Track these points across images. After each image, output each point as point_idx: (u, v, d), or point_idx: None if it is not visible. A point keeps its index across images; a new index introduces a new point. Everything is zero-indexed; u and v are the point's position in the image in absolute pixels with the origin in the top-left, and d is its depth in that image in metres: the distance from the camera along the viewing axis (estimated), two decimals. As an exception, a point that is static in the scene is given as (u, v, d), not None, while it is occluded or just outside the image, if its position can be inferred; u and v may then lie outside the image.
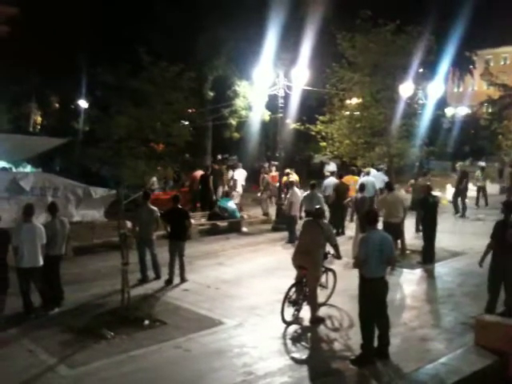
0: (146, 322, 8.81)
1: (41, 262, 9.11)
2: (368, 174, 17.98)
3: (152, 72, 12.51)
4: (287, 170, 19.59)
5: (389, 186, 13.48)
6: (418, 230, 15.13)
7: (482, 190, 21.90)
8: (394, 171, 18.63)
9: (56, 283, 9.71)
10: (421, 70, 20.11)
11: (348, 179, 17.86)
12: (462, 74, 52.49)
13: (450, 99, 50.89)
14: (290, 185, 16.19)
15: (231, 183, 19.74)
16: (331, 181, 17.94)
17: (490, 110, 31.88)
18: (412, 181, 20.99)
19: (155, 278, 11.46)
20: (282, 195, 18.21)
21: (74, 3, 21.85)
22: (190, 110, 16.82)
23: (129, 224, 11.45)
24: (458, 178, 20.43)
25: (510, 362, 7.36)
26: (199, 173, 19.52)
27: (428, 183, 17.35)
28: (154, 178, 17.19)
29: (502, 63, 68.06)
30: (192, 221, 13.15)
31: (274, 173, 20.01)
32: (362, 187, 14.39)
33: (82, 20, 21.72)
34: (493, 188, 22.99)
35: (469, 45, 41.48)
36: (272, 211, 18.88)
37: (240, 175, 19.88)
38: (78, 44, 22.91)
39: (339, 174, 18.60)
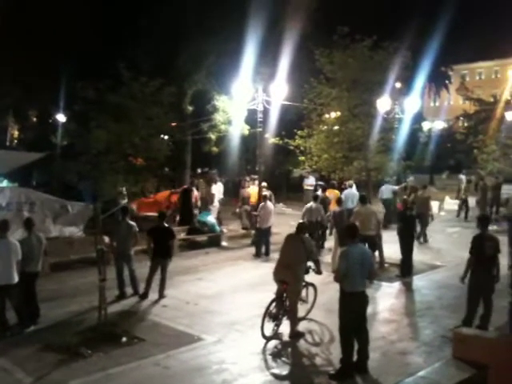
0: (124, 338, 8.70)
1: (16, 279, 8.96)
2: (351, 186, 18.13)
3: (132, 87, 12.54)
4: (263, 184, 19.62)
5: (362, 199, 13.58)
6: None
7: (464, 202, 22.29)
8: (372, 185, 18.84)
9: (32, 300, 9.56)
10: (398, 85, 20.41)
11: (328, 193, 18.00)
12: (438, 88, 53.38)
13: (426, 113, 51.60)
14: (263, 199, 16.23)
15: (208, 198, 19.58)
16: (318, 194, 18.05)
17: (465, 124, 32.53)
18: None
19: (133, 294, 11.34)
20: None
21: (54, 17, 21.74)
22: (170, 125, 16.83)
23: (106, 239, 11.33)
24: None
25: (488, 374, 7.41)
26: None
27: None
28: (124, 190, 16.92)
29: (478, 78, 69.41)
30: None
31: (255, 187, 19.95)
32: (340, 201, 14.49)
33: (62, 34, 21.61)
34: (470, 201, 23.31)
35: (444, 60, 42.26)
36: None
37: (217, 189, 19.81)
38: (57, 58, 22.78)
39: (322, 188, 18.70)
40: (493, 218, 20.46)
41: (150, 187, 20.80)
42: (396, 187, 20.62)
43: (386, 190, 20.28)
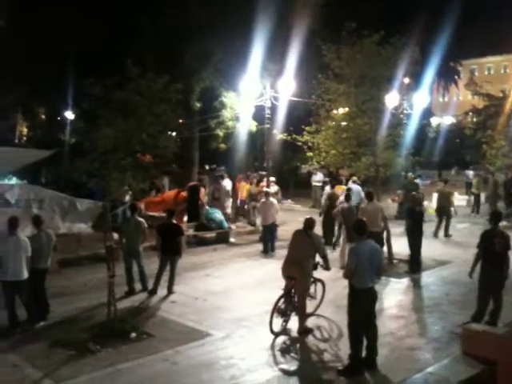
0: (133, 334, 8.72)
1: (25, 275, 9.02)
2: (354, 182, 18.11)
3: (139, 83, 12.53)
4: (271, 179, 19.70)
5: (368, 196, 13.55)
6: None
7: (476, 197, 22.49)
8: (380, 181, 18.79)
9: (41, 296, 9.62)
10: (406, 81, 20.31)
11: (337, 189, 17.97)
12: (447, 83, 53.15)
13: (435, 109, 51.40)
14: (264, 195, 16.20)
15: (216, 194, 19.66)
16: (328, 190, 18.05)
17: (474, 120, 32.30)
18: (399, 191, 21.15)
19: (142, 290, 11.38)
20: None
21: (61, 14, 21.78)
22: (177, 122, 16.82)
23: (115, 236, 11.37)
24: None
25: (497, 370, 7.38)
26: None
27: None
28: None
29: (487, 73, 69.05)
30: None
31: (263, 183, 20.04)
32: (348, 197, 14.44)
33: (69, 31, 21.66)
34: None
35: (453, 55, 42.00)
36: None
37: (228, 185, 19.93)
38: (64, 55, 22.85)
39: (331, 184, 18.69)
40: (504, 213, 20.43)
41: (159, 184, 20.87)
42: (427, 181, 20.83)
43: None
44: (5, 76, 24.16)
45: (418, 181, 21.54)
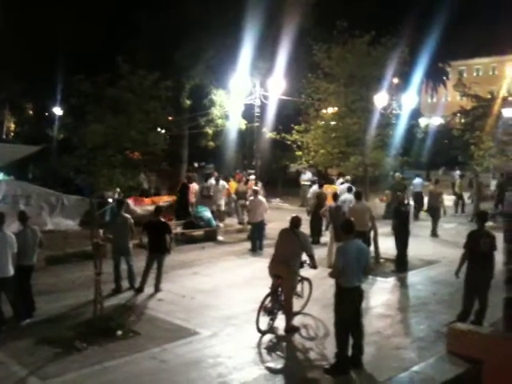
0: (119, 332, 8.69)
1: (11, 272, 8.94)
2: (347, 181, 18.18)
3: (130, 80, 12.49)
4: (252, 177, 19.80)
5: (357, 196, 13.62)
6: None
7: (459, 197, 22.87)
8: (369, 181, 18.89)
9: (27, 294, 9.55)
10: (395, 81, 20.39)
11: (326, 188, 18.03)
12: (436, 84, 53.41)
13: (423, 109, 51.65)
14: (253, 193, 16.28)
15: (205, 192, 19.66)
16: (315, 189, 18.11)
17: (462, 121, 32.50)
18: (387, 191, 21.26)
19: (129, 287, 11.33)
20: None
21: (52, 10, 21.62)
22: (167, 119, 16.83)
23: (101, 232, 11.30)
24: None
25: (482, 370, 7.44)
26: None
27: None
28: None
29: (475, 74, 69.48)
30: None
31: (252, 181, 20.10)
32: (336, 196, 14.50)
33: (59, 27, 21.51)
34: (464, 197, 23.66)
35: (442, 56, 42.21)
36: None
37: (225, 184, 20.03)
38: (54, 51, 22.69)
39: (319, 183, 18.75)
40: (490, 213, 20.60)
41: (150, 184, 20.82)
42: (426, 183, 21.13)
43: (418, 184, 21.42)
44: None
45: (417, 180, 22.03)
